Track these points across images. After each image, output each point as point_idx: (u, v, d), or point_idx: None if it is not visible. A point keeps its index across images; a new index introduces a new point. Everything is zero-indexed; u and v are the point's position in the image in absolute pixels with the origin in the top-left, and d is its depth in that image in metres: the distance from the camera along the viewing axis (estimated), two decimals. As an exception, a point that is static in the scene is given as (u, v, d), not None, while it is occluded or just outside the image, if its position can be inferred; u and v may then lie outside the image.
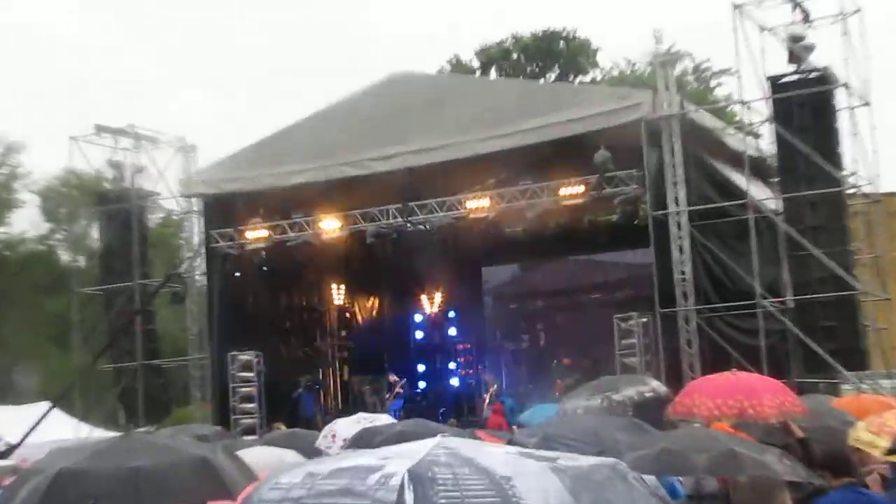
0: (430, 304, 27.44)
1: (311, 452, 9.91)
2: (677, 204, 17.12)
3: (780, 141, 16.47)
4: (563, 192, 18.67)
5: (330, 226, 20.77)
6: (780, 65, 16.89)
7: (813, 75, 16.56)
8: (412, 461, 2.85)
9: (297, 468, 3.11)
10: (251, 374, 20.86)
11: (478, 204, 19.54)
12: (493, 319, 27.76)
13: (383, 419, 11.49)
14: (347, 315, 26.27)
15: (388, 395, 23.43)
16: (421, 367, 26.86)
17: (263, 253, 21.39)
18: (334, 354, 25.84)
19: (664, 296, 17.02)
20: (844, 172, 16.44)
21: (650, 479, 6.05)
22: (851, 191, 16.78)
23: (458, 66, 39.82)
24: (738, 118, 20.28)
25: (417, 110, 19.61)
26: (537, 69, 39.74)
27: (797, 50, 16.68)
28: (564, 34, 39.80)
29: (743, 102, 17.66)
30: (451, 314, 27.30)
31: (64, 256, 33.89)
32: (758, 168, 17.84)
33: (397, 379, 24.15)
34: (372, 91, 20.62)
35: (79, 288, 23.33)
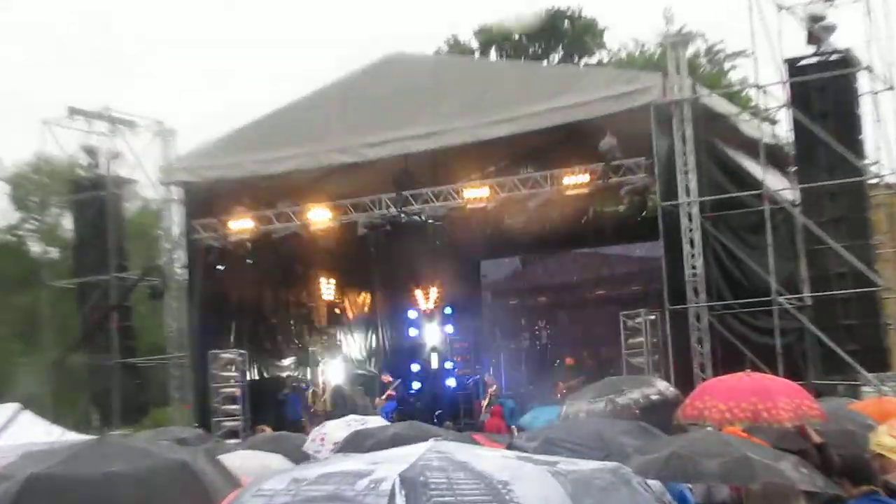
0: (426, 299, 27.44)
1: (299, 457, 9.91)
2: (688, 194, 17.12)
3: (798, 127, 16.46)
4: (567, 181, 18.67)
5: (319, 216, 20.76)
6: (799, 46, 16.91)
7: (833, 57, 16.55)
8: (403, 465, 2.85)
9: (282, 474, 3.12)
10: (234, 374, 20.87)
11: (476, 193, 19.54)
12: (493, 316, 27.78)
13: (375, 422, 11.50)
14: (337, 311, 26.26)
15: (380, 398, 23.43)
16: (415, 367, 26.85)
17: (248, 245, 21.39)
18: (323, 353, 25.83)
19: (674, 292, 17.03)
20: (866, 161, 16.44)
21: (655, 484, 6.05)
22: (874, 181, 16.78)
23: (455, 47, 39.77)
24: (753, 103, 20.25)
25: (413, 93, 19.58)
26: (540, 50, 39.68)
27: (817, 30, 16.67)
28: (569, 13, 39.74)
29: (759, 86, 17.64)
30: (448, 311, 27.30)
31: (34, 248, 33.79)
32: (774, 156, 17.83)
33: (391, 379, 24.16)
34: (365, 73, 20.59)
35: (50, 281, 23.32)
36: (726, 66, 38.81)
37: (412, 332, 27.49)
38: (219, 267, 21.65)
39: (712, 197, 17.17)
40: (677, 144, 17.17)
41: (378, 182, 20.44)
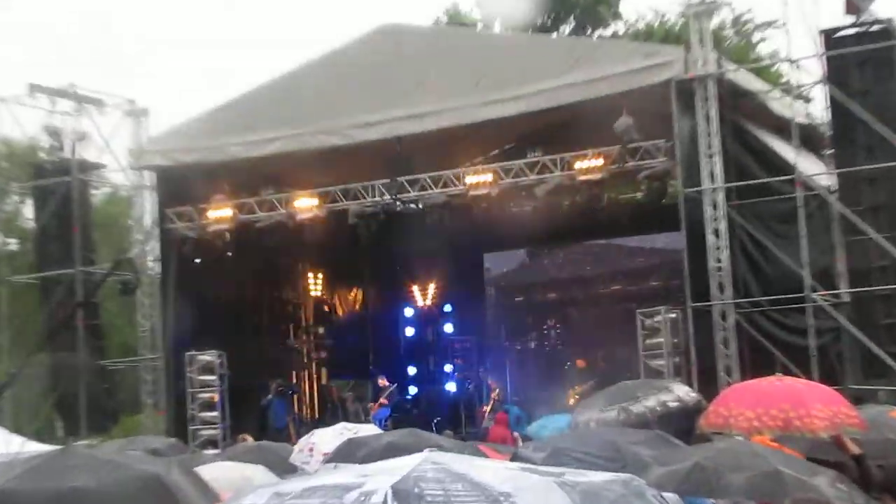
0: (423, 296, 27.46)
1: (284, 469, 9.93)
2: (713, 180, 17.10)
3: (835, 106, 16.43)
4: (579, 165, 18.65)
5: (306, 204, 20.75)
6: (836, 16, 16.86)
7: (874, 28, 16.52)
8: (396, 477, 2.85)
9: (264, 487, 3.11)
10: (213, 378, 20.88)
11: (479, 179, 19.52)
12: (497, 315, 27.81)
13: (368, 430, 11.51)
14: (326, 308, 26.28)
15: (372, 404, 23.46)
16: (412, 370, 26.88)
17: (228, 236, 21.38)
18: (310, 355, 25.88)
19: (697, 287, 17.02)
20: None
21: (672, 497, 6.05)
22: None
23: (455, 18, 39.68)
24: (785, 79, 20.23)
25: (409, 69, 19.56)
26: (549, 21, 39.58)
27: (855, -1, 16.64)
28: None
29: (791, 61, 17.61)
30: (448, 308, 27.32)
31: (-7, 239, 33.84)
32: (808, 138, 17.81)
33: (388, 384, 24.19)
34: (356, 46, 20.56)
35: (10, 276, 23.28)
36: (755, 38, 38.69)
37: (408, 331, 27.51)
38: (196, 260, 21.65)
39: (739, 183, 17.15)
40: (701, 125, 17.14)
41: (370, 167, 20.41)
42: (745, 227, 17.12)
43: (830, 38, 16.63)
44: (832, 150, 17.15)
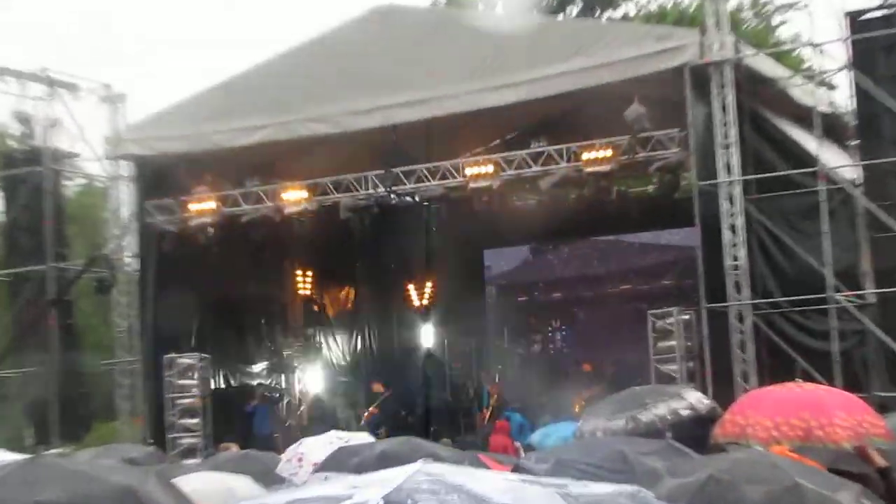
0: (419, 296, 27.41)
1: (271, 480, 9.90)
2: (729, 172, 17.09)
3: (861, 94, 16.42)
4: (587, 156, 18.64)
5: (294, 197, 20.73)
6: (862, -3, 16.86)
7: (903, 11, 16.52)
8: (388, 489, 2.84)
9: (249, 500, 3.10)
10: (194, 382, 20.87)
11: (479, 171, 19.51)
12: (498, 315, 27.84)
13: (361, 439, 11.51)
14: (315, 308, 26.27)
15: (366, 411, 23.47)
16: (407, 375, 26.85)
17: (210, 230, 21.35)
18: (299, 357, 25.84)
19: (712, 287, 17.02)
20: (940, 133, 16.43)
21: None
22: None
23: (455, -2, 39.69)
24: (807, 65, 20.22)
25: (405, 52, 19.55)
26: (555, 2, 39.59)
27: (883, -21, 16.64)
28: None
29: (814, 45, 17.60)
30: (445, 309, 27.28)
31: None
32: (832, 128, 17.80)
33: (383, 389, 24.19)
34: (348, 28, 20.54)
35: (-23, 272, 23.27)
36: (775, 20, 38.71)
37: (403, 333, 27.48)
38: (176, 256, 21.61)
39: (757, 175, 17.14)
40: (717, 113, 17.13)
41: (364, 157, 20.41)
42: (763, 223, 17.11)
43: (856, 20, 16.61)
44: (857, 141, 17.14)
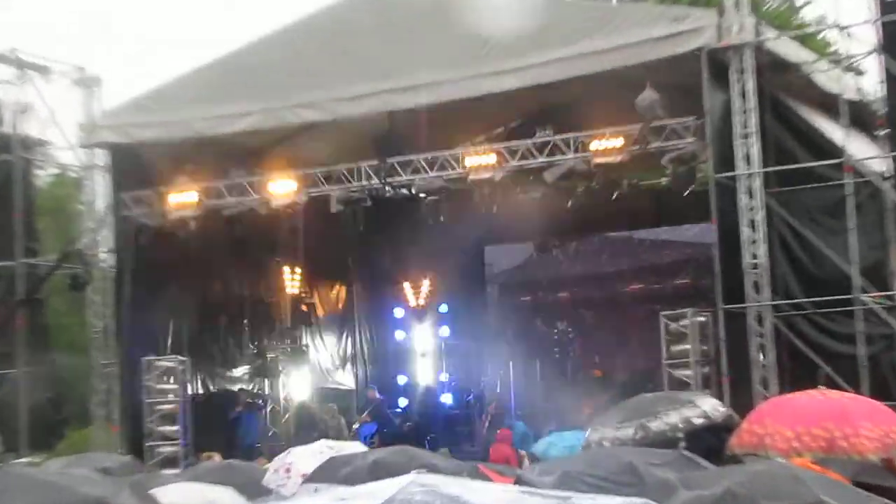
0: (416, 295, 27.44)
1: (256, 492, 9.93)
2: (749, 164, 17.07)
3: (891, 79, 16.40)
4: (595, 146, 18.63)
5: (282, 189, 20.71)
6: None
7: (935, -9, 16.49)
8: (378, 501, 2.83)
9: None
10: (174, 387, 20.86)
11: (480, 161, 19.49)
12: (500, 317, 27.82)
13: (353, 449, 11.52)
14: (305, 308, 26.25)
15: (356, 419, 23.48)
16: (402, 379, 26.88)
17: (192, 224, 21.33)
18: (286, 361, 25.81)
19: (729, 287, 17.00)
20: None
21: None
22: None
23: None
24: (833, 48, 20.19)
25: (401, 34, 19.52)
26: (563, -20, 39.55)
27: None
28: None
29: (841, 27, 17.57)
30: (444, 309, 27.31)
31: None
32: (859, 116, 17.79)
33: (378, 396, 24.19)
34: (341, 7, 20.50)
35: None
36: (799, 1, 38.69)
37: (398, 335, 27.51)
38: (155, 252, 21.60)
39: (779, 167, 17.12)
40: (735, 101, 17.11)
41: (356, 146, 20.39)
42: (785, 219, 17.09)
43: (886, 1, 16.60)
44: (887, 131, 17.12)
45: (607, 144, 18.57)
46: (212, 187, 21.17)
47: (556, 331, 27.31)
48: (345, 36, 19.79)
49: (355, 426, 23.23)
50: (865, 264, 16.53)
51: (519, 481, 7.32)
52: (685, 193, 19.50)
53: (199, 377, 23.00)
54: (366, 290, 27.41)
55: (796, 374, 15.78)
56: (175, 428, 20.70)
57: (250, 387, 24.54)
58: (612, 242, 27.36)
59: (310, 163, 20.83)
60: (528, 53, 18.23)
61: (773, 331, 16.76)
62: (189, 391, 21.11)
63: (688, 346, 17.83)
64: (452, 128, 20.21)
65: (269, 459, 13.72)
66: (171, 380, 20.90)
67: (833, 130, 17.33)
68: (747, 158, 17.08)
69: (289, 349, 25.73)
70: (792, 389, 13.04)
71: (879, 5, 16.56)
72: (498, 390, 25.27)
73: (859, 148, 17.29)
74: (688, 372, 17.61)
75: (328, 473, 8.97)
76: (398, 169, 19.94)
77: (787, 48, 18.55)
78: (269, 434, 23.81)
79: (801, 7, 38.23)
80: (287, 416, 25.25)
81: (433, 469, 6.88)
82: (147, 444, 20.40)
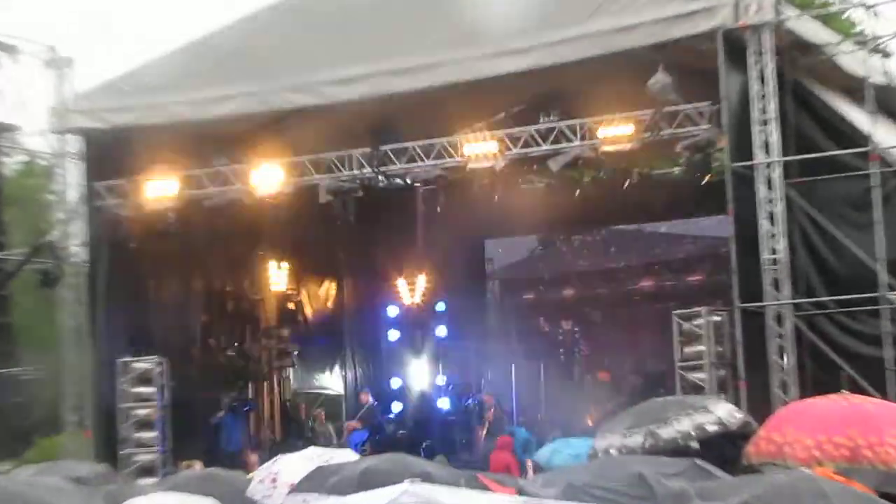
0: (411, 292, 27.45)
1: (240, 502, 9.94)
2: (768, 152, 17.08)
3: (919, 63, 16.41)
4: (604, 133, 18.64)
5: (268, 178, 20.70)
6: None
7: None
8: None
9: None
10: (151, 390, 20.86)
11: (480, 149, 19.50)
12: (501, 315, 27.83)
13: (343, 456, 11.54)
14: (292, 306, 26.28)
15: (346, 424, 23.49)
16: (396, 383, 26.89)
17: (171, 215, 21.33)
18: (272, 363, 25.86)
19: (747, 284, 17.01)
20: None
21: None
22: None
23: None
24: (858, 29, 20.17)
25: (396, 13, 19.52)
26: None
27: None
28: None
29: (867, 6, 17.57)
30: (441, 307, 27.32)
31: None
32: (886, 101, 17.79)
33: (371, 399, 24.20)
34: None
35: None
36: (822, -22, 38.69)
37: (392, 335, 27.52)
38: (131, 245, 21.60)
39: (800, 156, 17.13)
40: (754, 85, 17.11)
41: (347, 133, 20.38)
42: (806, 211, 17.11)
43: (915, -22, 16.62)
44: (915, 117, 17.16)
45: (616, 131, 18.57)
46: (192, 176, 21.16)
47: (560, 330, 27.30)
48: (336, 15, 19.80)
49: (346, 432, 23.24)
50: (892, 260, 16.54)
51: (520, 491, 7.32)
52: (700, 184, 19.49)
53: (178, 380, 22.93)
54: (357, 287, 27.42)
55: (818, 378, 15.80)
56: (152, 434, 20.69)
57: (233, 390, 24.51)
58: (620, 236, 27.38)
59: (297, 150, 20.82)
60: (532, 34, 18.23)
61: (794, 331, 16.77)
62: (167, 395, 21.07)
63: (702, 348, 17.82)
64: (450, 113, 20.18)
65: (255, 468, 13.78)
66: (148, 383, 20.89)
67: (858, 116, 17.33)
68: (766, 146, 17.08)
69: (274, 350, 25.75)
70: (813, 394, 13.04)
71: (908, -17, 16.59)
72: (498, 394, 25.25)
73: (886, 135, 17.29)
74: (702, 375, 17.61)
75: (316, 483, 8.99)
76: (392, 157, 19.93)
77: (809, 28, 18.53)
78: (255, 440, 23.83)
79: (824, -16, 38.24)
80: (273, 421, 25.29)
81: (428, 478, 6.89)
82: (122, 451, 20.40)
